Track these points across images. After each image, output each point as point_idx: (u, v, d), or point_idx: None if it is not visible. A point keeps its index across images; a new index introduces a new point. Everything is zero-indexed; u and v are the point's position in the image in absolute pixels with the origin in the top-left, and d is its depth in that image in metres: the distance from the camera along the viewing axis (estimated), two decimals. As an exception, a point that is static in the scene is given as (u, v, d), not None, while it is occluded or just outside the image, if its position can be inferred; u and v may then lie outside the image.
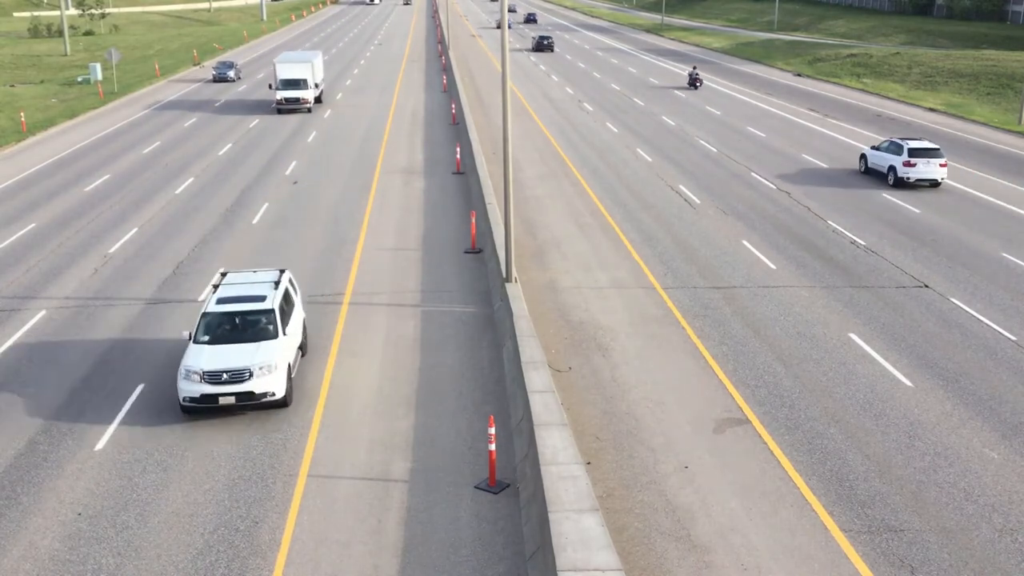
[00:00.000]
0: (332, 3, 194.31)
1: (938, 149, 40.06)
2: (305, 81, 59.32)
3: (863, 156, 43.05)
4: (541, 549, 14.19)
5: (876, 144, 43.67)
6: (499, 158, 45.20)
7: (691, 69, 73.36)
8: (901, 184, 40.27)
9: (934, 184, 40.45)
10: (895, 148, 40.62)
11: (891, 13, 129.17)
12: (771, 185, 40.25)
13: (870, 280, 28.18)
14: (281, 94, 58.83)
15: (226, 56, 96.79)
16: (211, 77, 77.80)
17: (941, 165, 39.77)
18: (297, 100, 58.89)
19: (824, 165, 44.19)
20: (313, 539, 15.52)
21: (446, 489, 16.93)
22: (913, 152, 39.77)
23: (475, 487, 16.95)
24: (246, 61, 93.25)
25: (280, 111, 59.29)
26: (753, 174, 42.41)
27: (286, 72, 59.40)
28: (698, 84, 71.74)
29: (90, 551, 15.23)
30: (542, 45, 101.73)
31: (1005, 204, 37.62)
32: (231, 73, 76.25)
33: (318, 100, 62.86)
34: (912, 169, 39.63)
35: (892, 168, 40.34)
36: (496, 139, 50.35)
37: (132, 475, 17.46)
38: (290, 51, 66.95)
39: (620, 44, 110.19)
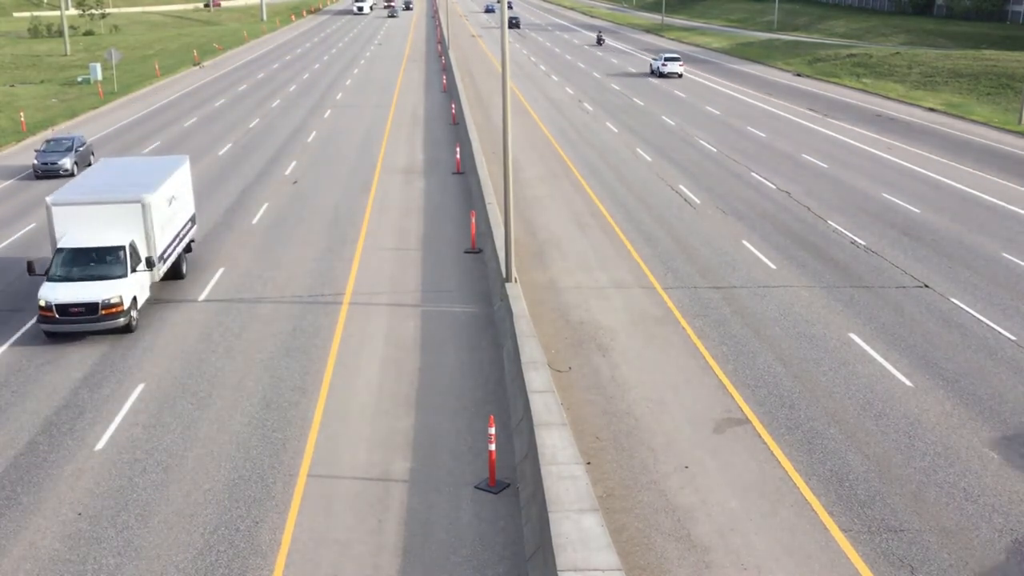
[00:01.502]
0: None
1: (679, 57, 79.84)
2: (119, 254, 24.33)
3: (650, 64, 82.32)
4: (541, 549, 14.20)
5: (654, 58, 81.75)
6: (499, 158, 45.21)
7: (598, 33, 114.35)
8: (661, 75, 79.02)
9: (679, 76, 79.05)
10: (659, 58, 79.98)
11: (891, 13, 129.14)
12: (771, 185, 40.26)
13: (870, 280, 28.18)
14: (49, 294, 23.22)
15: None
16: (32, 168, 43.11)
17: (680, 65, 78.88)
18: (92, 311, 23.14)
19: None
20: (313, 539, 15.52)
21: (446, 489, 16.93)
22: (666, 59, 78.95)
23: (475, 487, 16.95)
24: (241, 64, 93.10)
25: (49, 335, 23.72)
26: (753, 174, 42.42)
27: (74, 233, 24.90)
28: (602, 42, 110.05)
29: (90, 551, 15.23)
30: (511, 23, 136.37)
31: (1005, 204, 37.62)
32: (66, 162, 41.69)
33: (175, 274, 27.76)
34: (664, 67, 78.48)
35: (657, 68, 79.58)
36: (496, 139, 50.35)
37: (132, 475, 17.46)
38: (110, 159, 30.02)
39: (620, 44, 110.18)
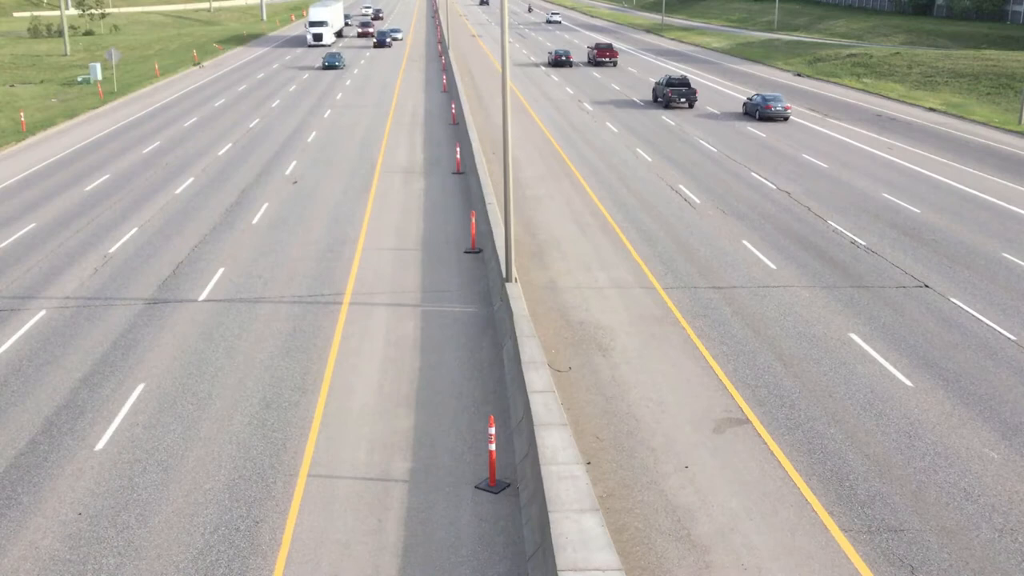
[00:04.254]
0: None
1: (558, 12, 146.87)
2: None
3: (546, 17, 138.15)
4: (541, 549, 14.19)
5: (546, 12, 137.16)
6: (499, 158, 45.21)
7: (528, 3, 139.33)
8: (550, 22, 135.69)
9: (559, 22, 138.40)
10: (548, 12, 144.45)
11: (891, 13, 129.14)
12: (771, 185, 40.26)
13: (870, 280, 28.18)
14: None
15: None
16: None
17: (559, 15, 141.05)
18: None
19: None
20: (313, 539, 15.52)
21: (446, 489, 16.93)
22: (552, 14, 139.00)
23: (475, 487, 16.95)
24: (241, 64, 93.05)
25: None
26: (753, 174, 42.42)
27: None
28: (531, 10, 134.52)
29: (90, 551, 15.23)
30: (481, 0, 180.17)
31: (1005, 204, 37.63)
32: None
33: None
34: (552, 18, 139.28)
35: (548, 17, 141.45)
36: (496, 139, 50.34)
37: (132, 475, 17.46)
38: None
39: (620, 44, 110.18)
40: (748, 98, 59.84)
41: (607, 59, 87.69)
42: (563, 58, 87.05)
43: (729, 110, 61.80)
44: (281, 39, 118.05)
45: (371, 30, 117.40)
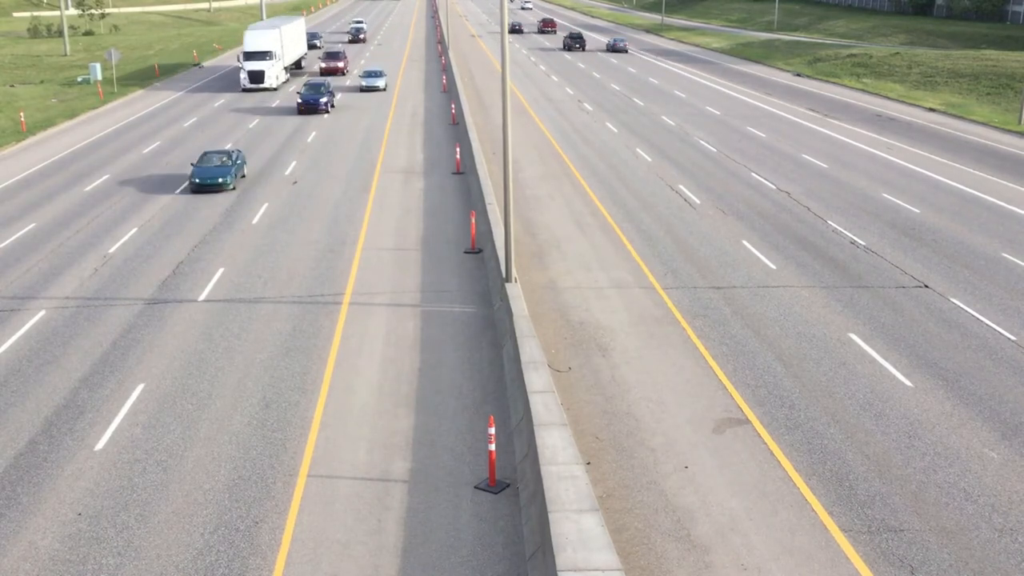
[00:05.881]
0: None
1: (529, 4, 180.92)
2: None
3: (520, 6, 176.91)
4: (541, 549, 14.20)
5: (519, 3, 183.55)
6: (499, 158, 45.21)
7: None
8: (523, 8, 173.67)
9: (530, 8, 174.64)
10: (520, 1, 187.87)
11: (891, 13, 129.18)
12: (771, 185, 40.27)
13: (870, 280, 28.18)
14: None
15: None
16: None
17: (530, 4, 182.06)
18: None
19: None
20: (313, 539, 15.52)
21: (446, 489, 16.93)
22: (524, 2, 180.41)
23: (475, 487, 16.96)
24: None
25: None
26: (753, 174, 42.42)
27: None
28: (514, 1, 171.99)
29: (90, 551, 15.23)
30: None
31: (1005, 204, 37.62)
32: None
33: None
34: (525, 5, 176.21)
35: (520, 5, 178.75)
36: (496, 139, 50.35)
37: (132, 475, 17.46)
38: None
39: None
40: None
41: (549, 29, 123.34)
42: (516, 27, 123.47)
43: (729, 110, 61.94)
44: (209, 75, 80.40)
45: (341, 64, 77.37)
